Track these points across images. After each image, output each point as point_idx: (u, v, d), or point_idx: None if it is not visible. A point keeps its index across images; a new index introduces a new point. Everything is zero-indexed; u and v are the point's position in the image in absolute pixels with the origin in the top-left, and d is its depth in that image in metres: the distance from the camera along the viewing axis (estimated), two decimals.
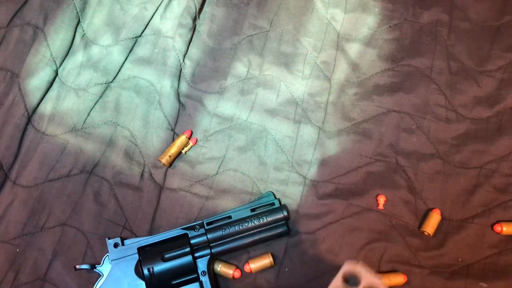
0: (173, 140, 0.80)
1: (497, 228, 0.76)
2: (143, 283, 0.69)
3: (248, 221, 0.72)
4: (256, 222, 0.72)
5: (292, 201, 0.78)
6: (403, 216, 0.77)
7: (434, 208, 0.77)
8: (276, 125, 0.82)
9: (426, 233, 0.76)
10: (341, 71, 0.85)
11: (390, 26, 0.87)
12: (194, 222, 0.73)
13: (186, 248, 0.70)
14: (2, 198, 0.77)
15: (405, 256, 0.75)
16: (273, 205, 0.73)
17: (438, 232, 0.76)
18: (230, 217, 0.72)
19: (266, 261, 0.73)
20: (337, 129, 0.82)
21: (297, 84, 0.84)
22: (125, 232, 0.76)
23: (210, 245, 0.71)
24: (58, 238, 0.75)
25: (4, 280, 0.73)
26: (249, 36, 0.87)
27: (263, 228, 0.72)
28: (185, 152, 0.80)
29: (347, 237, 0.76)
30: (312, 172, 0.80)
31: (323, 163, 0.80)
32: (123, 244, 0.71)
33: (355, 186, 0.79)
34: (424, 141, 0.81)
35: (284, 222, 0.72)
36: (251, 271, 0.73)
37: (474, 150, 0.80)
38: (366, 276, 0.55)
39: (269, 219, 0.72)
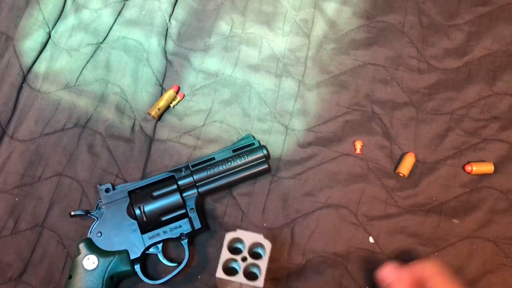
0: (162, 94, 0.82)
1: (468, 168, 0.78)
2: (135, 222, 0.71)
3: (230, 161, 0.74)
4: (238, 161, 0.74)
5: (275, 149, 0.80)
6: (379, 160, 0.79)
7: (409, 152, 0.79)
8: (259, 79, 0.84)
9: (401, 174, 0.78)
10: (319, 28, 0.87)
11: None
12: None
13: (173, 186, 0.72)
14: (1, 152, 0.78)
15: (382, 197, 0.77)
16: (253, 145, 0.75)
17: (413, 174, 0.78)
18: (213, 158, 0.74)
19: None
20: (316, 81, 0.84)
21: (278, 40, 0.86)
22: (118, 181, 0.78)
23: (197, 184, 0.73)
24: (55, 187, 0.77)
25: (4, 227, 0.75)
26: None
27: (245, 166, 0.74)
28: (173, 106, 0.82)
29: (327, 181, 0.78)
30: (293, 122, 0.82)
31: (304, 113, 0.82)
32: (114, 189, 0.73)
33: (333, 134, 0.81)
34: (398, 91, 0.83)
35: (264, 159, 0.75)
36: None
37: (445, 97, 0.82)
38: (248, 236, 0.57)
39: (250, 158, 0.74)
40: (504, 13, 0.87)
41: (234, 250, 0.59)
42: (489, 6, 0.87)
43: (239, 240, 0.57)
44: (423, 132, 0.81)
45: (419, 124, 0.81)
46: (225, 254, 0.55)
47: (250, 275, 0.56)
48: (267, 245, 0.56)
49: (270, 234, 0.75)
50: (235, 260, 0.56)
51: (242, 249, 0.56)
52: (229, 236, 0.56)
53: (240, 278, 0.55)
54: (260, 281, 0.55)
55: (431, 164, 0.79)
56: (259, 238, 0.56)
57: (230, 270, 0.55)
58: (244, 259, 0.55)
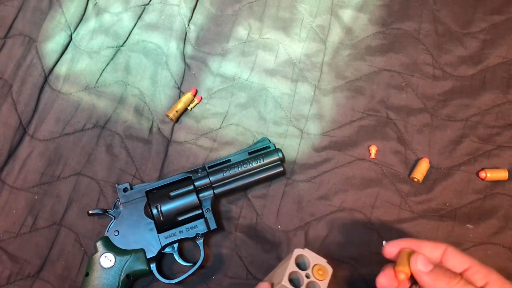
0: (179, 97, 0.83)
1: (482, 174, 0.77)
2: (152, 222, 0.71)
3: (246, 163, 0.74)
4: (254, 164, 0.74)
5: (290, 153, 0.80)
6: (394, 165, 0.79)
7: (423, 157, 0.79)
8: (275, 84, 0.84)
9: (415, 180, 0.77)
10: (335, 34, 0.87)
11: None
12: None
13: (190, 186, 0.72)
14: (21, 151, 0.79)
15: (396, 201, 0.77)
16: (268, 148, 0.75)
17: (427, 179, 0.78)
18: (229, 160, 0.74)
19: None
20: (331, 86, 0.84)
21: (294, 46, 0.86)
22: (136, 181, 0.78)
23: (213, 186, 0.73)
24: (73, 186, 0.78)
25: (24, 225, 0.76)
26: (249, 2, 0.89)
27: (261, 169, 0.74)
28: (191, 109, 0.82)
29: (341, 185, 0.78)
30: (308, 126, 0.82)
31: (319, 117, 0.82)
32: (132, 189, 0.73)
33: (348, 138, 0.81)
34: (413, 97, 0.83)
35: (279, 162, 0.74)
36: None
37: (459, 104, 0.82)
38: (314, 257, 0.61)
39: (266, 160, 0.74)
40: None
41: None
42: (504, 14, 0.87)
43: (302, 257, 0.61)
44: (438, 138, 0.80)
45: (433, 130, 0.81)
46: (292, 267, 0.59)
47: None
48: (330, 270, 0.60)
49: (285, 237, 0.75)
50: (298, 276, 0.60)
51: (303, 266, 0.61)
52: (297, 251, 0.61)
53: None
54: None
55: (445, 170, 0.78)
56: (323, 262, 0.61)
57: (290, 283, 0.59)
58: (307, 276, 0.59)
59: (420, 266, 0.53)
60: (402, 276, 0.54)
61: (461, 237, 0.74)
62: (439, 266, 0.53)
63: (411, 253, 0.55)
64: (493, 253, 0.73)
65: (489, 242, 0.74)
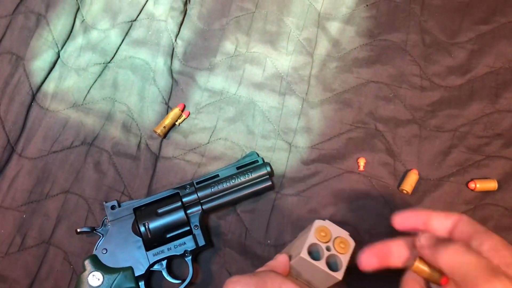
0: (167, 113, 0.83)
1: (471, 185, 0.77)
2: (140, 239, 0.71)
3: (234, 178, 0.73)
4: (242, 178, 0.73)
5: (278, 167, 0.79)
6: (383, 177, 0.78)
7: (412, 169, 0.78)
8: (263, 97, 0.84)
9: (404, 192, 0.77)
10: (322, 47, 0.87)
11: (367, 5, 0.89)
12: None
13: (178, 203, 0.71)
14: (9, 170, 0.79)
15: (385, 213, 0.76)
16: (257, 163, 0.75)
17: (416, 191, 0.77)
18: (217, 175, 0.74)
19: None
20: (319, 99, 0.84)
21: (282, 59, 0.86)
22: (124, 198, 0.78)
23: (201, 201, 0.73)
24: (62, 204, 0.77)
25: (12, 244, 0.75)
26: (236, 17, 0.89)
27: (249, 183, 0.73)
28: (179, 124, 0.82)
29: (330, 198, 0.77)
30: (297, 139, 0.81)
31: (307, 130, 0.82)
32: (119, 206, 0.73)
33: (337, 151, 0.80)
34: (401, 108, 0.82)
35: (268, 176, 0.74)
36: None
37: (448, 114, 0.82)
38: (335, 229, 0.59)
39: (254, 175, 0.74)
40: (506, 31, 0.86)
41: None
42: (491, 24, 0.87)
43: (325, 232, 0.58)
44: (426, 149, 0.80)
45: (422, 141, 0.80)
46: (312, 239, 0.56)
47: (328, 266, 0.57)
48: (352, 243, 0.58)
49: (274, 252, 0.74)
50: (318, 248, 0.57)
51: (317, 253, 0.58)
52: (317, 223, 0.58)
53: (322, 264, 0.56)
54: (341, 273, 0.57)
55: (434, 181, 0.78)
56: (345, 234, 0.58)
57: (309, 255, 0.57)
58: (328, 248, 0.56)
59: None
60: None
61: None
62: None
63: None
64: None
65: None
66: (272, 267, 0.58)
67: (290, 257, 0.59)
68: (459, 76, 0.84)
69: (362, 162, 0.79)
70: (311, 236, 0.57)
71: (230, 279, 0.52)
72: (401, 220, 0.55)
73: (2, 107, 0.82)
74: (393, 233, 0.74)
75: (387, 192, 0.77)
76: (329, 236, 0.58)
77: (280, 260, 0.59)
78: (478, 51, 0.86)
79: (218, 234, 0.76)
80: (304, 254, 0.55)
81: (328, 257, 0.56)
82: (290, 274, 0.60)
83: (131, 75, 0.85)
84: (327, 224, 0.58)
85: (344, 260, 0.56)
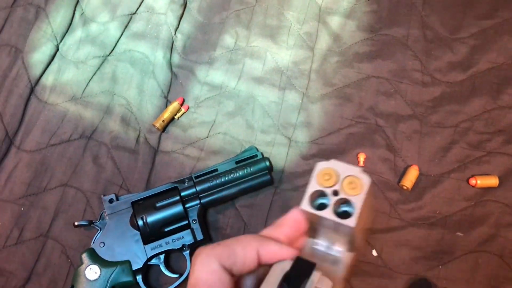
0: (166, 106, 0.82)
1: (472, 181, 0.76)
2: (138, 233, 0.70)
3: (233, 173, 0.73)
4: (241, 173, 0.73)
5: (278, 161, 0.79)
6: (383, 173, 0.78)
7: (412, 165, 0.78)
8: (262, 92, 0.83)
9: (404, 187, 0.76)
10: (323, 41, 0.87)
11: (368, 0, 0.89)
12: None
13: (176, 197, 0.71)
14: (8, 162, 0.79)
15: (385, 210, 0.76)
16: (256, 157, 0.74)
17: (416, 187, 0.77)
18: (216, 170, 0.74)
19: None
20: (319, 94, 0.83)
21: (282, 53, 0.86)
22: (122, 191, 0.77)
23: (199, 196, 0.72)
24: (60, 197, 0.77)
25: (10, 237, 0.75)
26: (237, 10, 0.88)
27: (248, 178, 0.73)
28: (178, 118, 0.82)
29: None
30: (296, 134, 0.81)
31: (307, 125, 0.81)
32: (117, 200, 0.73)
33: (337, 146, 0.80)
34: (401, 104, 0.82)
35: (267, 171, 0.74)
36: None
37: (449, 110, 0.81)
38: (343, 168, 0.45)
39: (253, 169, 0.73)
40: (508, 27, 0.85)
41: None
42: (493, 19, 0.86)
43: (330, 174, 0.45)
44: (427, 145, 0.79)
45: (423, 137, 0.80)
46: (314, 186, 0.44)
47: (339, 215, 0.44)
48: (366, 180, 0.44)
49: None
50: (324, 195, 0.45)
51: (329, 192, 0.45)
52: (320, 165, 0.45)
53: (328, 213, 0.43)
54: (353, 220, 0.43)
55: (435, 177, 0.77)
56: (356, 171, 0.44)
57: (316, 207, 0.44)
58: (335, 193, 0.44)
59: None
60: None
61: (452, 245, 0.73)
62: None
63: None
64: (484, 261, 0.72)
65: (480, 250, 0.73)
66: (279, 225, 0.45)
67: None
68: (460, 71, 0.83)
69: (362, 157, 0.78)
70: (313, 183, 0.44)
71: (196, 250, 0.41)
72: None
73: (1, 99, 0.82)
74: (392, 229, 0.74)
75: (387, 188, 0.77)
76: (335, 178, 0.45)
77: (290, 215, 0.45)
78: (480, 47, 0.85)
79: (216, 229, 0.75)
80: (305, 205, 0.43)
81: (336, 203, 0.44)
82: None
83: (130, 69, 0.85)
84: (332, 164, 0.45)
85: (357, 202, 0.43)
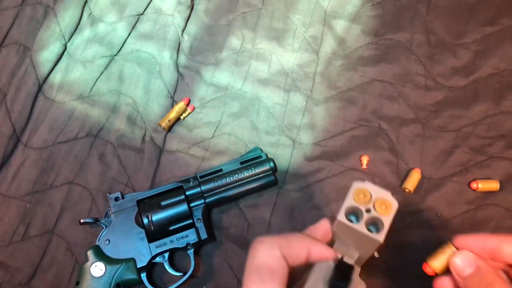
0: (172, 106, 0.83)
1: (474, 185, 0.77)
2: (143, 231, 0.71)
3: (238, 173, 0.74)
4: (246, 173, 0.74)
5: (282, 162, 0.79)
6: (386, 175, 0.79)
7: (415, 168, 0.78)
8: (267, 94, 0.84)
9: (407, 190, 0.77)
10: (328, 45, 0.87)
11: (373, 4, 0.90)
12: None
13: (181, 196, 0.72)
14: (14, 159, 0.79)
15: None
16: (260, 158, 0.75)
17: (419, 190, 0.77)
18: (221, 170, 0.74)
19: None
20: (324, 96, 0.84)
21: (287, 56, 0.86)
22: (128, 190, 0.78)
23: (204, 195, 0.73)
24: (66, 195, 0.78)
25: (15, 233, 0.75)
26: (243, 13, 0.89)
27: (252, 179, 0.74)
28: (184, 118, 0.82)
29: (333, 195, 0.77)
30: (300, 136, 0.81)
31: (311, 127, 0.82)
32: (123, 198, 0.73)
33: (340, 148, 0.80)
34: (405, 107, 0.83)
35: (271, 172, 0.74)
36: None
37: (451, 115, 0.82)
38: (376, 190, 0.53)
39: (257, 170, 0.74)
40: (510, 33, 0.86)
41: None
42: (497, 26, 0.87)
43: (364, 193, 0.53)
44: (430, 149, 0.80)
45: (425, 140, 0.80)
46: (350, 201, 0.52)
47: (368, 230, 0.53)
48: (395, 204, 0.52)
49: None
50: (356, 212, 0.52)
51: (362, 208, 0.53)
52: (357, 184, 0.53)
53: (361, 227, 0.51)
54: (381, 235, 0.51)
55: (437, 181, 0.78)
56: (387, 195, 0.53)
57: (348, 219, 0.52)
58: (368, 210, 0.52)
59: (457, 268, 0.46)
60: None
61: None
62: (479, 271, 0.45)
63: (454, 251, 0.49)
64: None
65: None
66: (311, 231, 0.53)
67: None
68: (463, 76, 0.84)
69: (365, 160, 0.79)
70: (349, 199, 0.52)
71: (255, 239, 0.47)
72: (465, 243, 0.49)
73: (9, 97, 0.82)
74: (394, 231, 0.75)
75: (389, 191, 0.77)
76: (368, 198, 0.52)
77: (322, 225, 0.54)
78: (483, 53, 0.86)
79: (220, 228, 0.76)
80: (342, 217, 0.51)
81: (367, 220, 0.51)
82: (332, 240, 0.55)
83: (137, 68, 0.86)
84: (367, 185, 0.53)
85: (386, 221, 0.51)
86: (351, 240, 0.54)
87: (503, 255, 0.46)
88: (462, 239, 0.48)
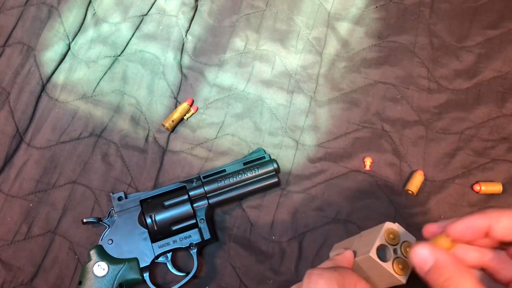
0: (176, 107, 0.83)
1: (476, 187, 0.77)
2: (146, 231, 0.71)
3: (241, 173, 0.74)
4: (249, 174, 0.74)
5: (285, 163, 0.80)
6: (388, 177, 0.79)
7: (417, 170, 0.79)
8: (271, 95, 0.84)
9: (410, 192, 0.77)
10: (331, 47, 0.88)
11: (376, 7, 0.90)
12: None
13: (184, 196, 0.72)
14: (18, 159, 0.79)
15: (390, 214, 0.76)
16: (263, 159, 0.75)
17: (421, 192, 0.78)
18: (224, 170, 0.74)
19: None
20: (327, 98, 0.84)
21: (291, 58, 0.87)
22: (131, 190, 0.78)
23: (207, 196, 0.73)
24: (69, 194, 0.78)
25: (18, 232, 0.75)
26: (247, 14, 0.90)
27: (256, 179, 0.74)
28: (187, 119, 0.82)
29: (336, 196, 0.78)
30: (304, 137, 0.82)
31: (314, 129, 0.82)
32: (126, 198, 0.73)
33: (343, 150, 0.81)
34: (408, 110, 0.83)
35: (274, 173, 0.74)
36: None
37: (454, 117, 0.82)
38: (404, 233, 0.59)
39: (261, 171, 0.74)
40: None
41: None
42: (499, 29, 0.87)
43: (394, 234, 0.58)
44: (432, 151, 0.80)
45: (428, 142, 0.81)
46: (382, 240, 0.57)
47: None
48: None
49: (279, 248, 0.75)
50: (385, 249, 0.57)
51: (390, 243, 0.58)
52: (388, 225, 0.58)
53: (389, 266, 0.56)
54: (405, 277, 0.57)
55: (439, 183, 0.78)
56: (412, 239, 0.58)
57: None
58: (395, 251, 0.57)
59: (417, 266, 0.45)
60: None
61: None
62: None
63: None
64: None
65: None
66: (339, 261, 0.59)
67: (354, 254, 0.60)
68: (466, 79, 0.84)
69: (368, 161, 0.79)
70: (381, 237, 0.57)
71: (312, 270, 0.52)
72: (454, 230, 0.47)
73: (12, 96, 0.82)
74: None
75: (392, 192, 0.78)
76: (397, 239, 0.58)
77: (347, 256, 0.59)
78: (486, 56, 0.86)
79: (223, 229, 0.76)
80: (373, 254, 0.56)
81: (394, 260, 0.57)
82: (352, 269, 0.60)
83: (141, 69, 0.86)
84: (397, 227, 0.59)
85: (410, 264, 0.54)
86: (374, 273, 0.58)
87: (495, 233, 0.46)
88: (451, 227, 0.47)
